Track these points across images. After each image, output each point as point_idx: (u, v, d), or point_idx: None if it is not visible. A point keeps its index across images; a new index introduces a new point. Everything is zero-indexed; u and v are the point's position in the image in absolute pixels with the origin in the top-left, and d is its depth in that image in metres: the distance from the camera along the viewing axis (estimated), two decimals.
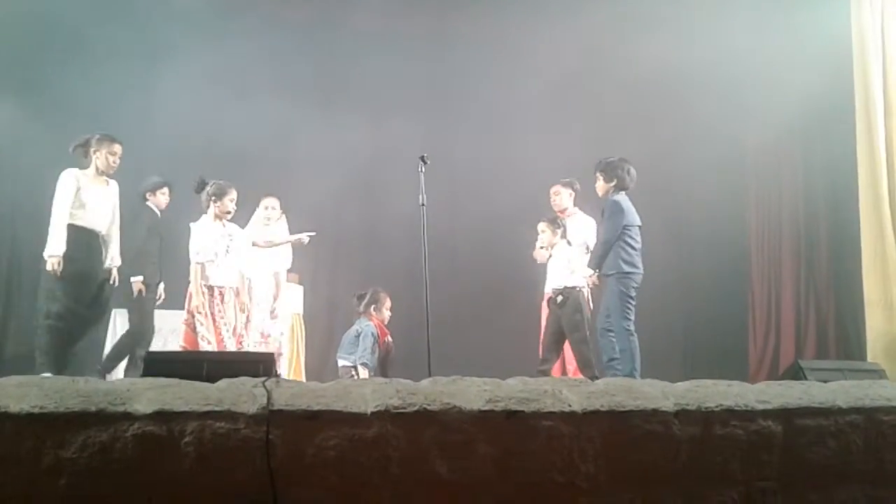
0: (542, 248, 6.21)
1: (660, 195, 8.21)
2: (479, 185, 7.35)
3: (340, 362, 6.20)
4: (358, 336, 6.10)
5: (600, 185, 5.64)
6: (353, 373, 5.97)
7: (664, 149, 8.02)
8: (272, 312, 6.22)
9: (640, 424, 2.67)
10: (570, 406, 2.64)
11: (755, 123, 8.14)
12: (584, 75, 7.97)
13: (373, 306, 6.27)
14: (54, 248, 5.26)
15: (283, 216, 6.44)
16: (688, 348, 8.72)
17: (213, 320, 5.48)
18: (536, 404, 2.62)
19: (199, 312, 5.45)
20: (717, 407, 2.76)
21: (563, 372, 6.24)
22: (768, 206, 8.84)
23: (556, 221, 6.17)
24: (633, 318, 5.36)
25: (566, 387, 2.78)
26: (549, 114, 7.51)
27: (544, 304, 6.25)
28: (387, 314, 6.32)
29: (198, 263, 5.55)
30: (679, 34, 7.11)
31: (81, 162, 5.45)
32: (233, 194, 5.75)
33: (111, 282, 5.56)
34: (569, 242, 6.10)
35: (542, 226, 6.20)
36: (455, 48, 8.11)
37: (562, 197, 6.50)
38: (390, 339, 6.25)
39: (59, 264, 5.20)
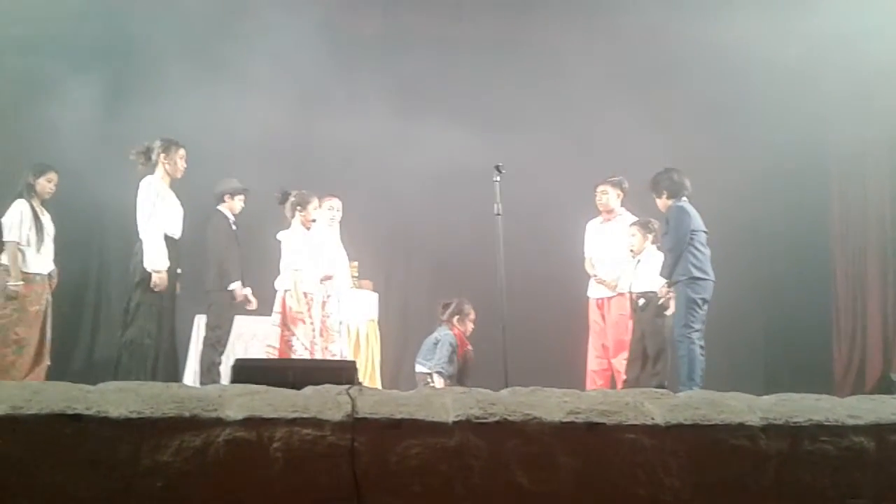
0: (631, 250, 6.13)
1: (737, 198, 8.01)
2: (555, 194, 7.30)
3: (418, 368, 6.26)
4: (436, 344, 6.14)
5: (659, 203, 5.69)
6: (429, 379, 6.03)
7: (741, 149, 7.83)
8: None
9: (726, 438, 2.62)
10: (652, 419, 2.61)
11: (838, 118, 7.84)
12: (661, 77, 7.84)
13: (456, 317, 6.30)
14: (159, 263, 5.22)
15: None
16: (769, 359, 8.45)
17: (313, 327, 5.60)
18: (618, 417, 2.60)
19: (299, 319, 5.57)
20: (805, 422, 2.69)
21: (613, 378, 6.17)
22: (852, 206, 8.40)
23: (647, 226, 6.06)
24: (697, 326, 5.27)
25: (648, 399, 2.75)
26: (625, 117, 7.41)
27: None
28: (470, 326, 6.32)
29: (296, 271, 5.66)
30: (758, 25, 6.95)
31: (141, 168, 5.43)
32: (315, 202, 5.89)
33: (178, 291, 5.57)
34: (658, 248, 6.00)
35: (633, 229, 6.10)
36: (531, 54, 8.07)
37: (609, 196, 6.38)
38: (470, 349, 6.27)
39: (164, 280, 5.20)
